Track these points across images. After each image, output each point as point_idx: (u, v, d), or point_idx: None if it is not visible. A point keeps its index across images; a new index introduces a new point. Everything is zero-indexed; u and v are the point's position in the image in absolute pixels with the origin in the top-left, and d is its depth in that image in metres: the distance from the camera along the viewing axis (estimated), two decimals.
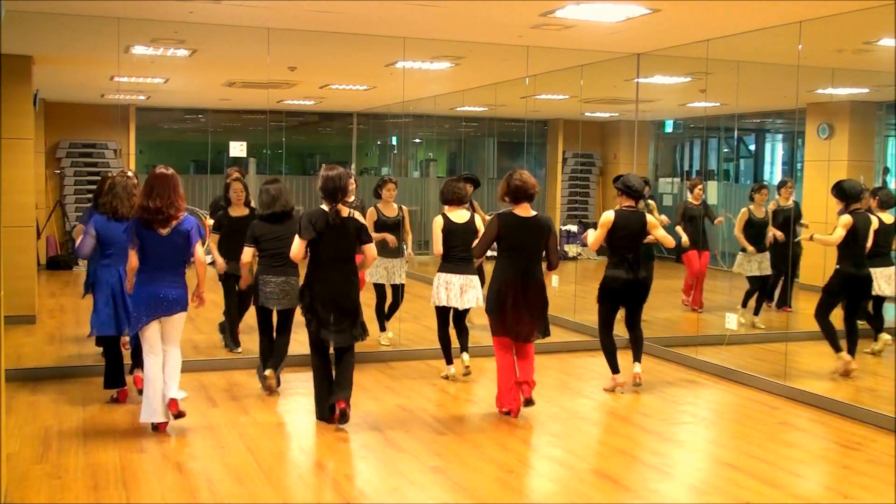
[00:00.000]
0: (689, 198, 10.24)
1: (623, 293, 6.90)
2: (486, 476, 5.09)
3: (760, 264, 9.40)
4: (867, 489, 5.00)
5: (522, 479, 5.10)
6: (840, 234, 7.33)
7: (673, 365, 8.08)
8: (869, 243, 7.57)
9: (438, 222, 7.05)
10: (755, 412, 6.59)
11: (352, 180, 8.38)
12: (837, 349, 7.45)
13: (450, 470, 5.16)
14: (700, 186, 10.30)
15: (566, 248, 15.79)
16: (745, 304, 9.60)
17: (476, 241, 6.50)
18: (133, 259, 5.68)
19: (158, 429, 5.73)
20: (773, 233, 9.33)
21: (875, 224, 7.67)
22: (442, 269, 7.11)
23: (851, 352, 7.43)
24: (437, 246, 7.02)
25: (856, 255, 7.36)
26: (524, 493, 4.89)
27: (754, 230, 9.38)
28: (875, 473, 5.25)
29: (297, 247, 5.87)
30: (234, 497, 4.68)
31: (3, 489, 4.49)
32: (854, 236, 7.33)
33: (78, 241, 6.66)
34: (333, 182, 5.87)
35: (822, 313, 7.49)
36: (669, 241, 7.32)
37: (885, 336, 8.23)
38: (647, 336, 8.92)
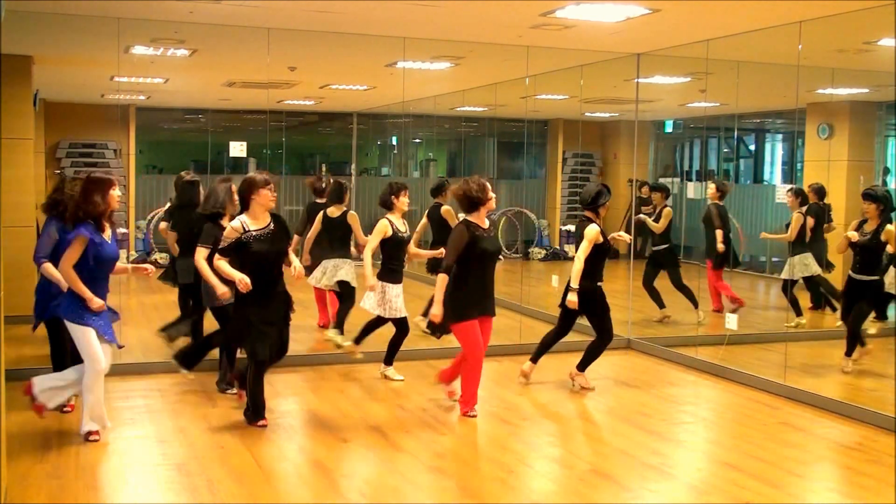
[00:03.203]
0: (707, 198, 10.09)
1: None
2: (486, 476, 5.09)
3: (809, 264, 9.29)
4: (867, 489, 5.01)
5: (522, 479, 5.10)
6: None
7: (673, 365, 8.08)
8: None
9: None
10: (755, 412, 6.59)
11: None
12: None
13: (450, 470, 5.16)
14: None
15: (566, 247, 15.81)
16: (799, 312, 9.40)
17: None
18: None
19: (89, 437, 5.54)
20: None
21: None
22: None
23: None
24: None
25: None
26: (524, 493, 4.89)
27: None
28: (875, 473, 5.26)
29: None
30: (234, 497, 4.68)
31: (3, 489, 4.49)
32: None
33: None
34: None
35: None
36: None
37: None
38: (647, 336, 8.95)
